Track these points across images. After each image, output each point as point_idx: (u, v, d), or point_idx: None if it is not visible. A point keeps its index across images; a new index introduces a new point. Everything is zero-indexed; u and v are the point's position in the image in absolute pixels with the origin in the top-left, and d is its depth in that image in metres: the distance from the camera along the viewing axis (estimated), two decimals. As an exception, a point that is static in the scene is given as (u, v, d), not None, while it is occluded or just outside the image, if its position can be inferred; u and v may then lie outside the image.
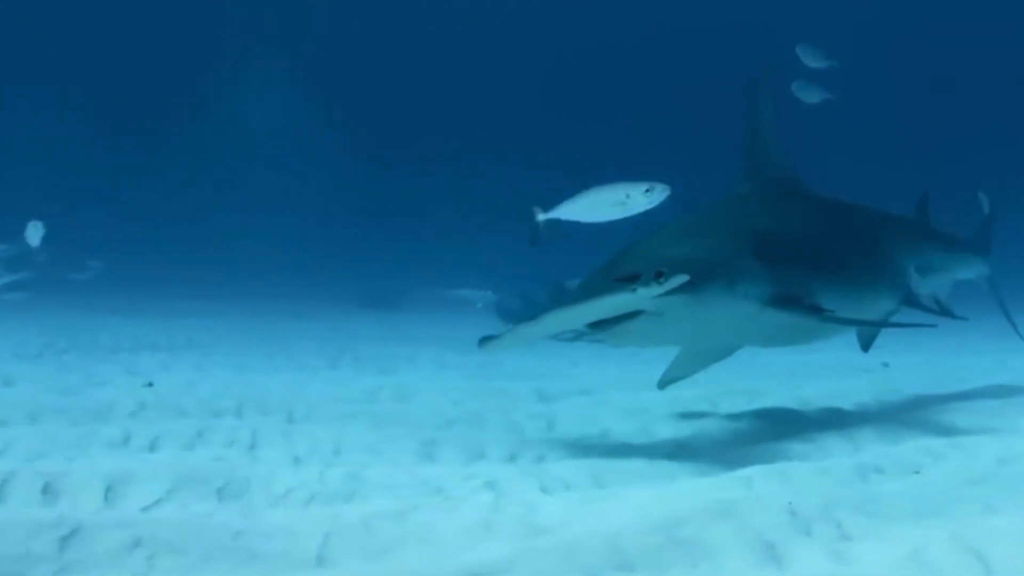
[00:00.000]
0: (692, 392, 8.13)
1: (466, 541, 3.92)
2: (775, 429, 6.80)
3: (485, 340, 5.37)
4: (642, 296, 5.35)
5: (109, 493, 4.48)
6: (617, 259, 5.97)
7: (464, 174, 41.31)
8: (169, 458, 5.31)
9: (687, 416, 7.43)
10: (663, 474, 5.30)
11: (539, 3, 41.96)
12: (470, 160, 42.44)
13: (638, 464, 5.49)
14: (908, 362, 11.05)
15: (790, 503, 4.27)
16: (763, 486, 4.83)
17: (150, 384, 8.16)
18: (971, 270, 9.38)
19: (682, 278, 5.31)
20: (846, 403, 8.05)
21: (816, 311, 6.41)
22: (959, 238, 9.25)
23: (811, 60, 11.71)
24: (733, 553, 3.74)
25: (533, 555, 3.60)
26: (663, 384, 7.33)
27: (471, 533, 4.03)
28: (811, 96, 11.39)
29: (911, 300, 7.65)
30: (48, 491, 4.45)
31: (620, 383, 8.94)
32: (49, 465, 4.88)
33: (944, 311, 8.35)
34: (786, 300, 6.28)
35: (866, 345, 7.94)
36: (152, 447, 5.69)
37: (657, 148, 33.59)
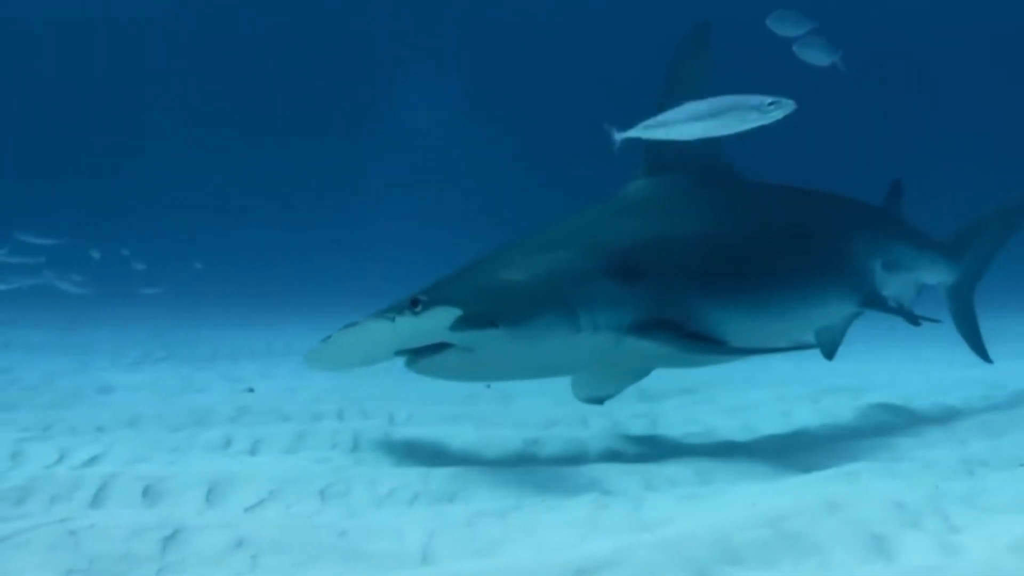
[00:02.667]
0: (794, 390, 8.31)
1: (572, 538, 3.96)
2: (879, 425, 6.88)
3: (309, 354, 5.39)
4: (403, 327, 5.04)
5: (211, 495, 4.58)
6: (446, 277, 5.60)
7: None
8: (271, 460, 5.46)
9: (790, 413, 7.49)
10: (768, 470, 5.32)
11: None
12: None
13: (742, 461, 5.53)
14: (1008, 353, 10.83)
15: (897, 497, 4.29)
16: (869, 480, 4.84)
17: (250, 390, 8.31)
18: (935, 274, 8.00)
19: (445, 311, 4.99)
20: (950, 398, 7.98)
21: (689, 340, 5.58)
22: (930, 236, 7.96)
23: (787, 29, 10.44)
24: (841, 546, 3.76)
25: (641, 550, 3.61)
26: (589, 401, 6.51)
27: (577, 530, 4.08)
28: (817, 57, 10.06)
29: (874, 302, 6.83)
30: (149, 493, 4.56)
31: (722, 382, 8.93)
32: (149, 468, 5.01)
33: (907, 315, 7.35)
34: (651, 328, 5.51)
35: (830, 353, 7.19)
36: (253, 450, 5.81)
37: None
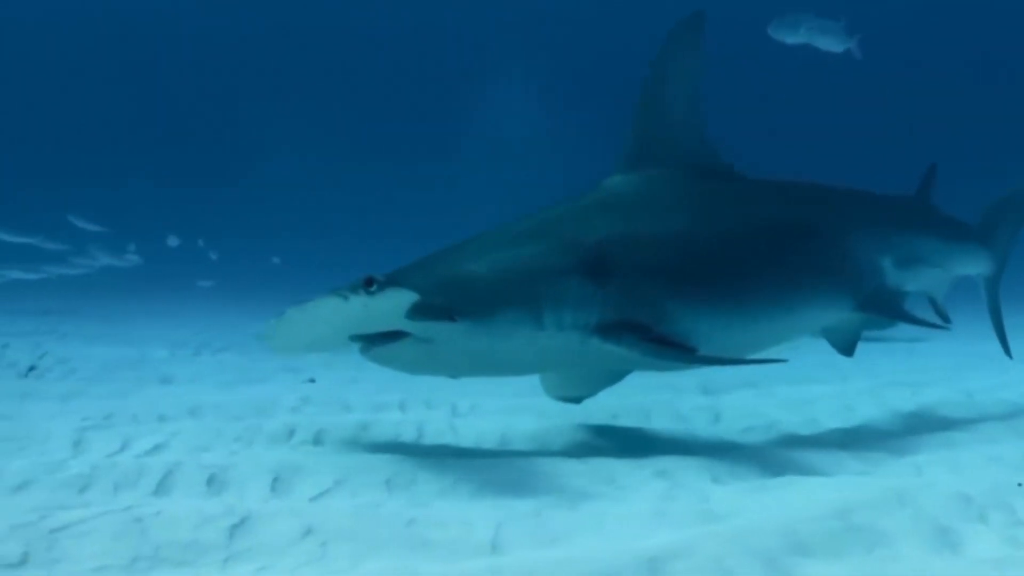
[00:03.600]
0: (855, 385, 8.44)
1: (640, 529, 3.99)
2: (941, 419, 6.93)
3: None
4: (356, 307, 4.86)
5: (276, 484, 4.60)
6: (410, 263, 5.49)
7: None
8: (335, 451, 5.49)
9: (852, 408, 7.55)
10: (832, 463, 5.36)
11: None
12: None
13: (806, 454, 5.58)
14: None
15: (962, 490, 4.36)
16: (933, 473, 4.94)
17: (311, 380, 8.35)
18: (973, 266, 7.75)
19: (401, 294, 4.85)
20: (1012, 393, 8.03)
21: (655, 345, 5.41)
22: (963, 224, 7.68)
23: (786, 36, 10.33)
24: (908, 539, 3.81)
25: (710, 541, 3.65)
26: (563, 400, 6.45)
27: (644, 521, 4.11)
28: (830, 42, 9.88)
29: (873, 305, 6.52)
30: (213, 482, 4.59)
31: (786, 377, 8.93)
32: (213, 458, 5.07)
33: (937, 314, 7.33)
34: (617, 331, 5.36)
35: (847, 350, 6.81)
36: (316, 440, 5.83)
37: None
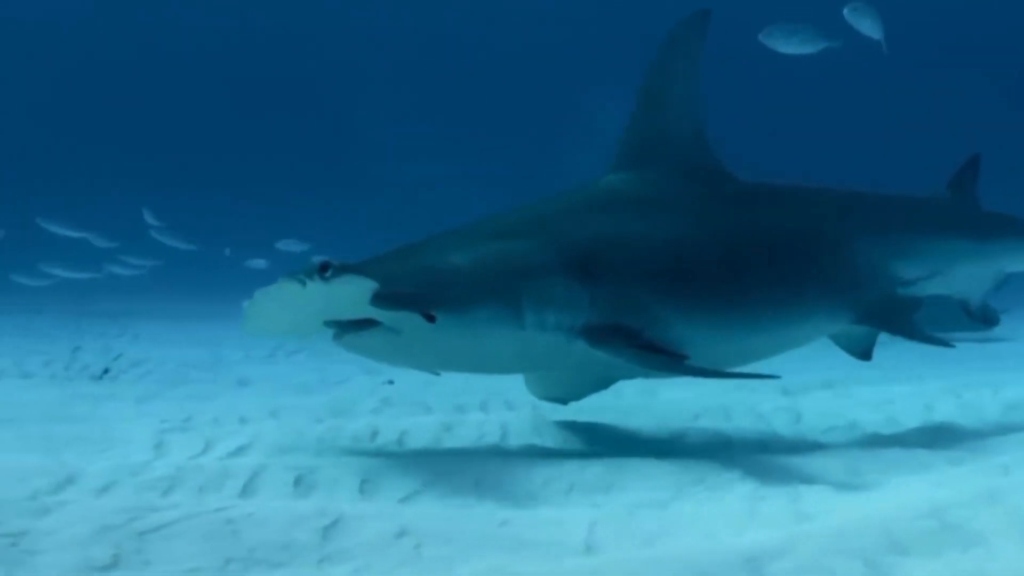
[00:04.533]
0: (933, 384, 8.48)
1: (734, 528, 4.03)
2: (1021, 419, 6.92)
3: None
4: (314, 293, 4.75)
5: (364, 485, 4.62)
6: (393, 250, 5.41)
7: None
8: (420, 452, 5.57)
9: (932, 408, 7.56)
10: (917, 463, 5.36)
11: None
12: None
13: (890, 453, 5.59)
14: None
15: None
16: (1021, 473, 4.90)
17: (390, 382, 8.39)
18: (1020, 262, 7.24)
19: (357, 281, 4.74)
20: None
21: (643, 353, 5.31)
22: (1005, 219, 7.22)
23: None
24: (1003, 537, 3.80)
25: (807, 540, 3.67)
26: (548, 400, 6.35)
27: (737, 520, 4.14)
28: (868, 26, 9.56)
29: (877, 317, 6.29)
30: (300, 484, 4.63)
31: (862, 377, 8.93)
32: (298, 459, 5.10)
33: (972, 318, 7.05)
34: (605, 335, 5.27)
35: (864, 355, 6.61)
36: (400, 442, 5.88)
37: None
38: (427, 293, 4.96)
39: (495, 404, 7.25)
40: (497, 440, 6.05)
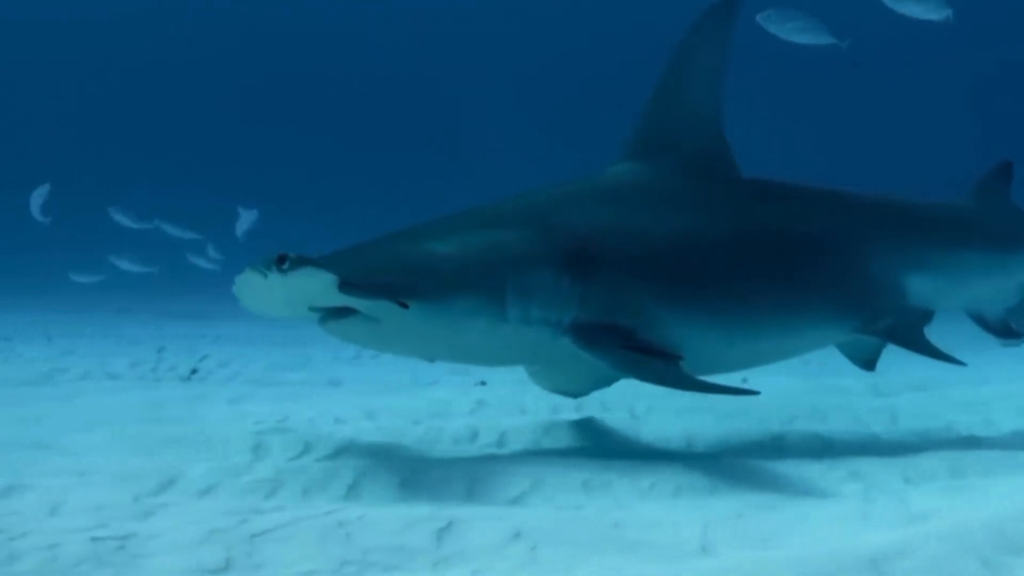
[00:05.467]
0: None
1: (847, 529, 4.05)
2: None
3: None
4: (276, 283, 4.71)
5: (471, 487, 4.66)
6: (375, 239, 5.37)
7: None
8: (522, 453, 5.64)
9: None
10: (1017, 464, 5.44)
11: None
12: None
13: (991, 454, 5.66)
14: None
15: None
16: None
17: (482, 383, 8.43)
18: None
19: (313, 273, 4.68)
20: None
21: (629, 360, 5.19)
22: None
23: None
24: None
25: (924, 541, 3.66)
26: (557, 393, 6.23)
27: (849, 522, 4.17)
28: (928, 10, 9.29)
29: (885, 328, 6.05)
30: (406, 486, 4.67)
31: (956, 378, 8.87)
32: (400, 461, 5.18)
33: (991, 332, 6.79)
34: (592, 333, 5.18)
35: (868, 365, 6.40)
36: (501, 443, 5.96)
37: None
38: (401, 281, 4.92)
39: (590, 405, 7.26)
40: (597, 442, 6.12)
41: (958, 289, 6.55)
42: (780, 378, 8.87)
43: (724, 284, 5.61)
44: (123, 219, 17.67)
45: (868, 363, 6.40)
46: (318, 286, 4.74)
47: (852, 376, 8.28)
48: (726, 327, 5.63)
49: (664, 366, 5.25)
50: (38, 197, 14.17)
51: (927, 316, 6.27)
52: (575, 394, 6.24)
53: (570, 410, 7.11)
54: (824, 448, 5.99)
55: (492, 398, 7.45)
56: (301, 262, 4.65)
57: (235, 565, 3.48)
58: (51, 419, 6.47)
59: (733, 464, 5.24)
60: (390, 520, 3.89)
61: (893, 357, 6.30)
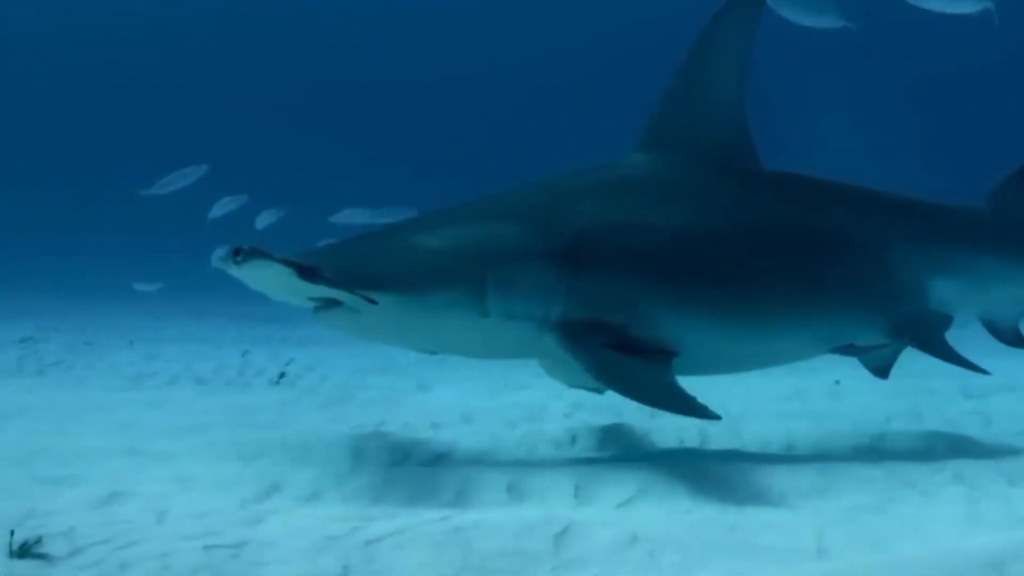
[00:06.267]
0: None
1: (959, 531, 4.13)
2: None
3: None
4: (237, 274, 4.87)
5: (579, 491, 4.72)
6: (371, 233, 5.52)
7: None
8: (626, 457, 5.70)
9: None
10: None
11: None
12: None
13: None
14: None
15: None
16: None
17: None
18: None
19: (264, 264, 4.74)
20: None
21: (612, 359, 5.13)
22: None
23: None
24: None
25: None
26: (574, 387, 6.15)
27: (960, 524, 4.25)
28: (959, 3, 9.02)
29: (911, 333, 5.97)
30: (513, 490, 4.75)
31: None
32: (503, 465, 5.28)
33: (1005, 342, 6.63)
34: (578, 331, 5.14)
35: (882, 373, 6.35)
36: (601, 446, 6.04)
37: None
38: (377, 273, 5.04)
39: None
40: (697, 444, 6.19)
41: (978, 295, 6.43)
42: (872, 379, 8.87)
43: (733, 280, 5.54)
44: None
45: (882, 370, 6.36)
46: (273, 277, 4.89)
47: (939, 377, 8.37)
48: (734, 325, 5.56)
49: (647, 377, 5.21)
50: (183, 176, 14.01)
51: (948, 321, 6.19)
52: (598, 390, 6.09)
53: (665, 414, 7.12)
54: (924, 450, 6.04)
55: (587, 401, 7.46)
56: (254, 254, 4.74)
57: (354, 573, 3.54)
58: (143, 425, 6.60)
59: (837, 466, 5.29)
60: (506, 525, 3.95)
61: (978, 356, 6.13)
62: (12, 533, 3.63)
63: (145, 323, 15.06)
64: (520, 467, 5.13)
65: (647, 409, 7.13)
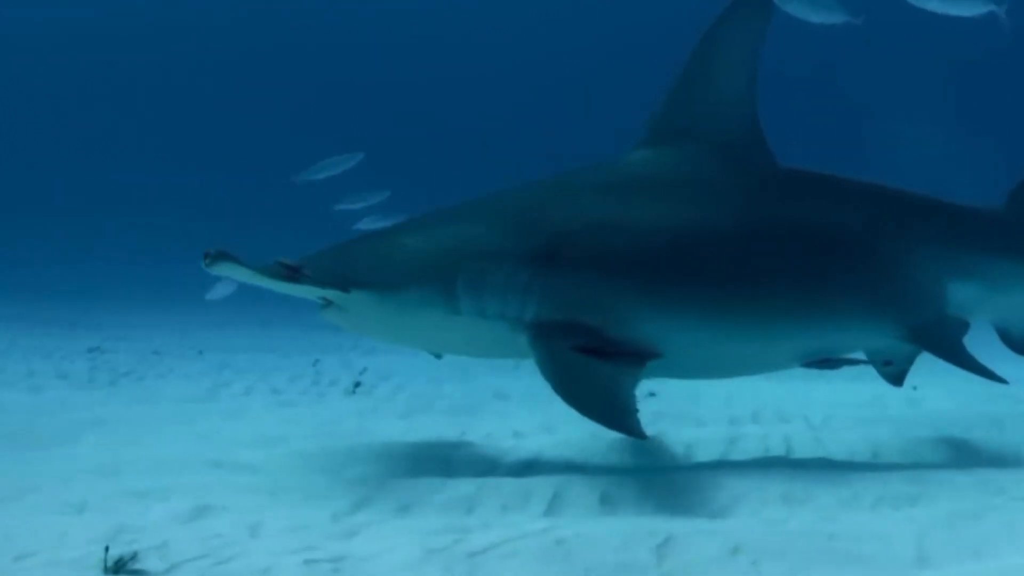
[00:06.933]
0: None
1: None
2: None
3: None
4: (221, 274, 5.16)
5: (671, 501, 4.78)
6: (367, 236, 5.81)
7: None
8: (713, 465, 5.77)
9: None
10: None
11: None
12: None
13: None
14: None
15: None
16: None
17: (651, 394, 8.49)
18: None
19: (226, 265, 4.94)
20: None
21: (574, 362, 5.13)
22: None
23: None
24: None
25: None
26: None
27: None
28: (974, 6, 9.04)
29: (927, 338, 5.88)
30: (606, 501, 4.79)
31: None
32: (593, 475, 5.28)
33: (1015, 349, 6.64)
34: (551, 332, 5.17)
35: (896, 380, 6.26)
36: (688, 455, 6.13)
37: None
38: (355, 272, 5.27)
39: (767, 416, 7.39)
40: (783, 452, 6.24)
41: (995, 300, 6.39)
42: (951, 384, 8.87)
43: (729, 279, 5.47)
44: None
45: (896, 377, 6.28)
46: (247, 277, 5.13)
47: (1020, 384, 8.27)
48: (724, 327, 5.49)
49: (600, 387, 5.18)
50: (338, 163, 13.86)
51: (965, 327, 6.13)
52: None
53: (747, 422, 7.21)
54: (1011, 457, 6.11)
55: (668, 409, 7.53)
56: (220, 256, 4.92)
57: (461, 586, 3.59)
58: (222, 436, 6.69)
59: (925, 474, 5.33)
60: (606, 536, 4.02)
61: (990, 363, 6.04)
62: (107, 549, 3.69)
63: (212, 334, 15.16)
64: (609, 476, 5.16)
65: (726, 417, 7.24)
